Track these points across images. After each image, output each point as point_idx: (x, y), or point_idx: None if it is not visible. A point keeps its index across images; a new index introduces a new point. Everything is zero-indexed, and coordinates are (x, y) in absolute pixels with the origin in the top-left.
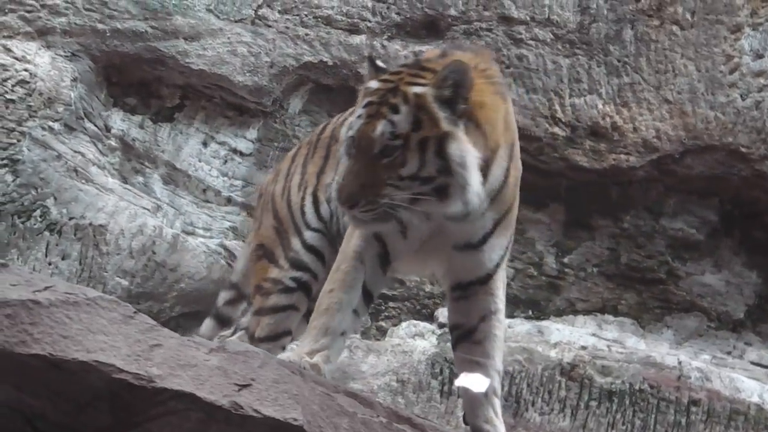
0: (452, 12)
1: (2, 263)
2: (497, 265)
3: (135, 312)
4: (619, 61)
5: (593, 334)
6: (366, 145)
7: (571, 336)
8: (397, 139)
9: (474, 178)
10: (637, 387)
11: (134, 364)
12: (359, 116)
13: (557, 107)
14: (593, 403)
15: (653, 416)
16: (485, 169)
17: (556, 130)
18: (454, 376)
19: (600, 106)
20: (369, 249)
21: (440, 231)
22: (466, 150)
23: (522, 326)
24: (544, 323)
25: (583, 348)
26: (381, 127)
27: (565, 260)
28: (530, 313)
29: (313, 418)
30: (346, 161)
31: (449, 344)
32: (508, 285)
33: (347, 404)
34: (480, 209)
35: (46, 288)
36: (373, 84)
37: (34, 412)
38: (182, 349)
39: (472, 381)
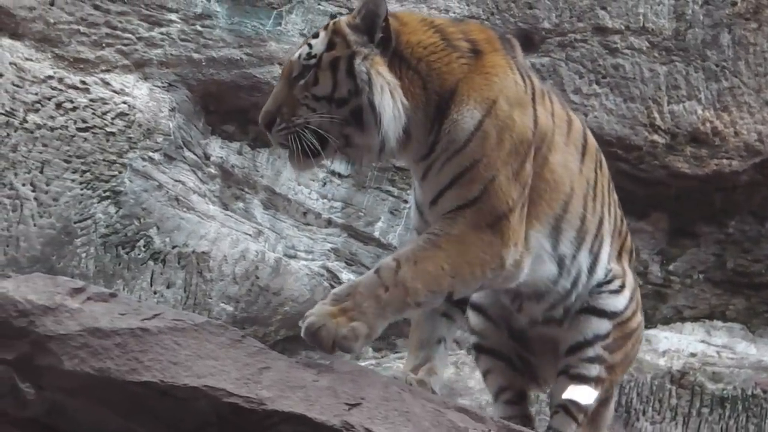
0: (546, 25)
1: (111, 293)
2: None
3: (243, 336)
4: (717, 65)
5: (702, 341)
6: (287, 69)
7: (680, 343)
8: (312, 59)
9: (386, 102)
10: (749, 392)
11: (244, 387)
12: None
13: (656, 115)
14: (705, 410)
15: (767, 421)
16: (433, 108)
17: (656, 137)
18: None
19: (699, 112)
20: None
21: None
22: (376, 71)
23: None
24: (652, 332)
25: (693, 355)
26: (299, 51)
27: (670, 268)
28: None
29: None
30: None
31: None
32: None
33: (458, 419)
34: (397, 142)
35: (154, 316)
36: None
37: None
38: (291, 371)
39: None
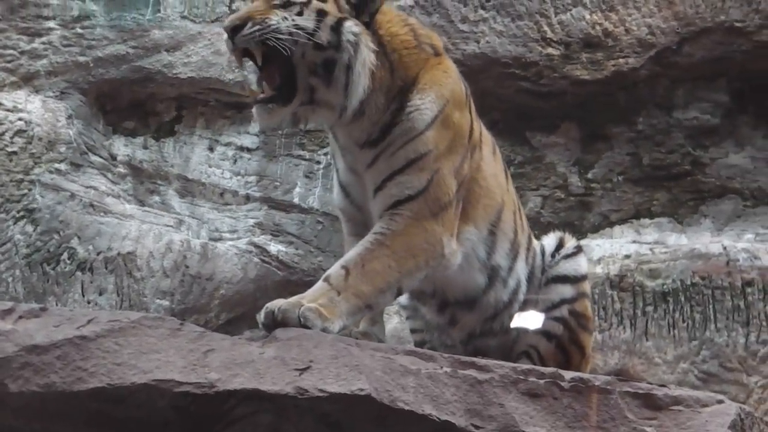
0: None
1: (41, 307)
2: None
3: (181, 323)
4: None
5: (634, 241)
6: None
7: (612, 248)
8: None
9: (363, 69)
10: (688, 282)
11: (192, 374)
12: None
13: (546, 28)
14: (649, 309)
15: (711, 307)
16: (395, 94)
17: (550, 50)
18: None
19: (588, 17)
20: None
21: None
22: (365, 41)
23: None
24: (583, 242)
25: (627, 257)
26: None
27: (589, 175)
28: None
29: (379, 384)
30: None
31: None
32: (539, 213)
33: (409, 362)
34: (353, 112)
35: (89, 321)
36: None
37: None
38: (235, 348)
39: None
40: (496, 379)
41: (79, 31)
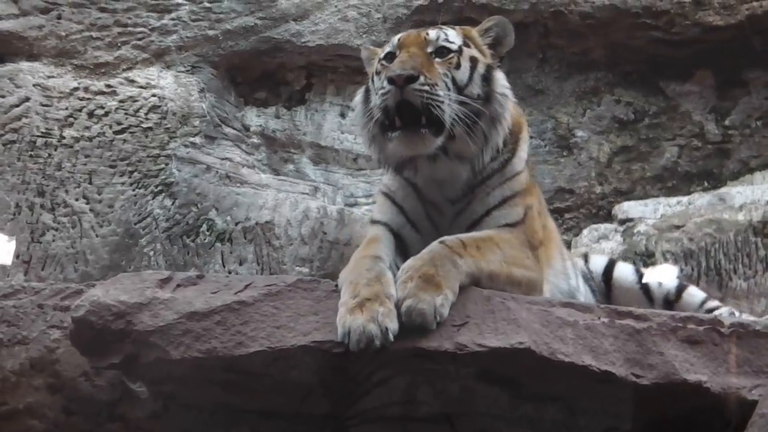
0: None
1: (198, 275)
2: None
3: (336, 285)
4: None
5: None
6: (418, 42)
7: (754, 195)
8: (451, 44)
9: (505, 123)
10: None
11: None
12: (398, 37)
13: None
14: None
15: None
16: (510, 141)
17: None
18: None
19: None
20: None
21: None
22: (509, 90)
23: (702, 199)
24: (723, 190)
25: None
26: (435, 32)
27: (726, 122)
28: (706, 184)
29: (538, 337)
30: (394, 60)
31: (635, 239)
32: (676, 163)
33: (566, 314)
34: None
35: (246, 287)
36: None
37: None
38: None
39: None
40: (654, 327)
41: (207, 5)
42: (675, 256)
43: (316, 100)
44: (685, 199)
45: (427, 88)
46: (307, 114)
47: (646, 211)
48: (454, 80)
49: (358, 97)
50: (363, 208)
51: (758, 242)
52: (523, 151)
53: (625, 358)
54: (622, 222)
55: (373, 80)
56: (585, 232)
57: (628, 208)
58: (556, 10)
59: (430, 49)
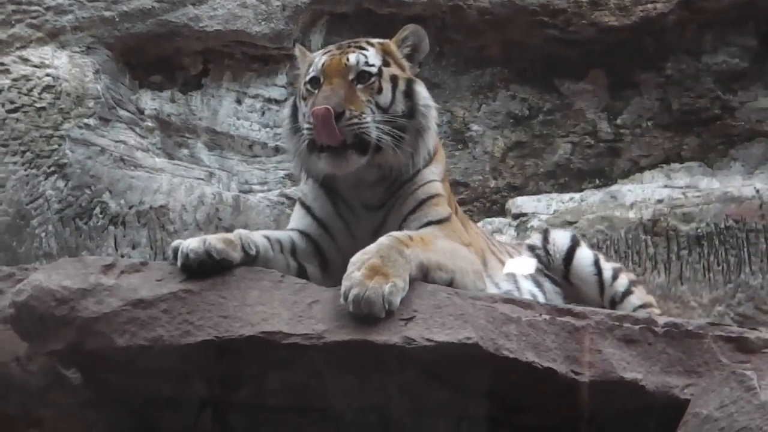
0: None
1: (141, 262)
2: None
3: (282, 276)
4: None
5: (665, 186)
6: (340, 70)
7: (644, 193)
8: (371, 67)
9: (432, 132)
10: (722, 226)
11: (299, 325)
12: (321, 61)
13: None
14: (683, 253)
15: (745, 250)
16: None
17: None
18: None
19: None
20: None
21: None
22: (430, 100)
23: (594, 196)
24: (614, 188)
25: (659, 201)
26: (354, 56)
27: (618, 121)
28: (598, 181)
29: (484, 333)
30: (317, 91)
31: (528, 233)
32: (569, 160)
33: (509, 311)
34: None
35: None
36: (321, 53)
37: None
38: (338, 300)
39: None
40: (593, 325)
41: None
42: None
43: (213, 86)
44: (577, 195)
45: (354, 120)
46: (203, 99)
47: (539, 207)
48: (377, 104)
49: (286, 111)
50: (258, 194)
51: (648, 240)
52: (437, 167)
53: (566, 355)
54: (516, 216)
55: (300, 98)
56: (479, 225)
57: (522, 203)
58: (454, 4)
59: (351, 76)
